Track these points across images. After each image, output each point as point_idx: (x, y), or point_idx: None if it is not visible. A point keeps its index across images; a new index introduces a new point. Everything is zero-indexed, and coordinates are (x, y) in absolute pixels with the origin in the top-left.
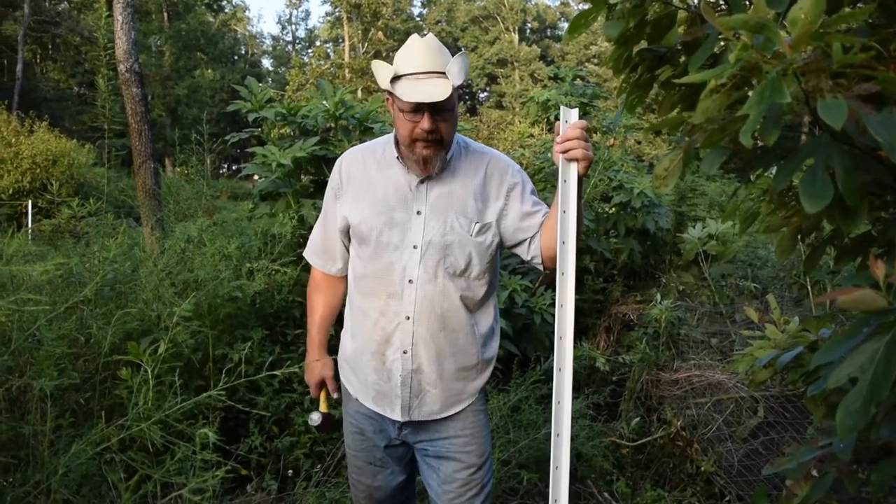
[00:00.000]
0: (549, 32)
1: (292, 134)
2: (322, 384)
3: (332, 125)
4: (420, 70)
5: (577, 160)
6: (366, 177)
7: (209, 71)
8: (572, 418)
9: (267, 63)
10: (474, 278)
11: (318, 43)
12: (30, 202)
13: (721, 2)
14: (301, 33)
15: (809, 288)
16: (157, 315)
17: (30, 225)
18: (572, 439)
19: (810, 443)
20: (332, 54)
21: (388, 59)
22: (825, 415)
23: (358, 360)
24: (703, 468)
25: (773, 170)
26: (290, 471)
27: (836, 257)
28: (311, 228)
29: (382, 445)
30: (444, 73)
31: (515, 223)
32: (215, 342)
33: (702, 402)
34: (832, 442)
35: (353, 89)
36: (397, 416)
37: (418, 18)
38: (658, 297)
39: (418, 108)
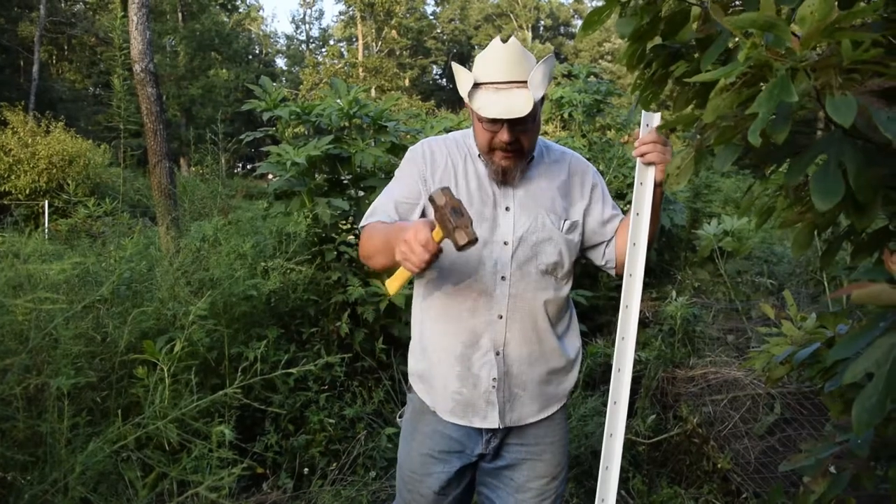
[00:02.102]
0: (562, 30)
1: (306, 133)
2: (431, 225)
3: (347, 124)
4: (500, 80)
5: (654, 164)
6: (451, 167)
7: (224, 70)
8: (588, 415)
9: (281, 62)
10: (561, 277)
11: (331, 42)
12: (46, 202)
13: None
14: (315, 32)
15: (826, 284)
16: (172, 314)
17: (47, 225)
18: (587, 436)
19: (827, 439)
20: (345, 53)
21: (401, 58)
22: (842, 411)
23: (437, 367)
24: (719, 465)
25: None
26: (306, 469)
27: (852, 252)
28: (325, 227)
29: (456, 468)
30: (525, 82)
31: (595, 225)
32: (231, 341)
33: (718, 399)
34: (849, 438)
35: (366, 88)
36: (491, 423)
37: (432, 17)
38: (673, 294)
39: (497, 120)
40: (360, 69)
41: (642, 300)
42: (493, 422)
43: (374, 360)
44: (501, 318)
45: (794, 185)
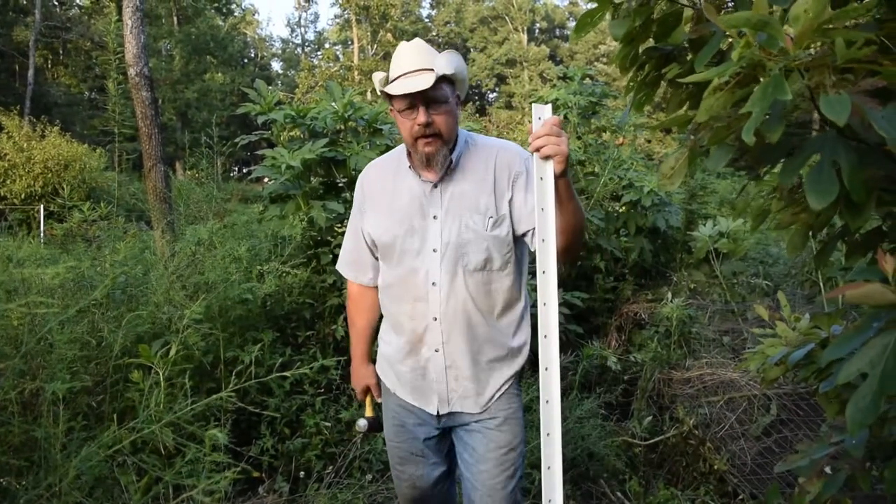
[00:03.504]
0: (557, 32)
1: (302, 136)
2: (367, 390)
3: (342, 127)
4: (408, 69)
5: (550, 157)
6: (383, 189)
7: (219, 74)
8: (584, 417)
9: (277, 66)
10: (497, 270)
11: (327, 45)
12: (42, 206)
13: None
14: (310, 36)
15: (822, 285)
16: (168, 318)
17: (42, 229)
18: (583, 438)
19: (823, 440)
20: (341, 56)
21: None
22: (838, 411)
23: (395, 359)
24: (715, 467)
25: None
26: (302, 472)
27: (846, 253)
28: (321, 230)
29: (422, 438)
30: (430, 69)
31: (521, 213)
32: (226, 344)
33: (714, 401)
34: (844, 439)
35: (362, 91)
36: (433, 409)
37: (427, 20)
38: (669, 295)
39: (412, 105)
40: (356, 72)
41: (637, 301)
42: (433, 408)
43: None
44: (437, 319)
45: (787, 186)
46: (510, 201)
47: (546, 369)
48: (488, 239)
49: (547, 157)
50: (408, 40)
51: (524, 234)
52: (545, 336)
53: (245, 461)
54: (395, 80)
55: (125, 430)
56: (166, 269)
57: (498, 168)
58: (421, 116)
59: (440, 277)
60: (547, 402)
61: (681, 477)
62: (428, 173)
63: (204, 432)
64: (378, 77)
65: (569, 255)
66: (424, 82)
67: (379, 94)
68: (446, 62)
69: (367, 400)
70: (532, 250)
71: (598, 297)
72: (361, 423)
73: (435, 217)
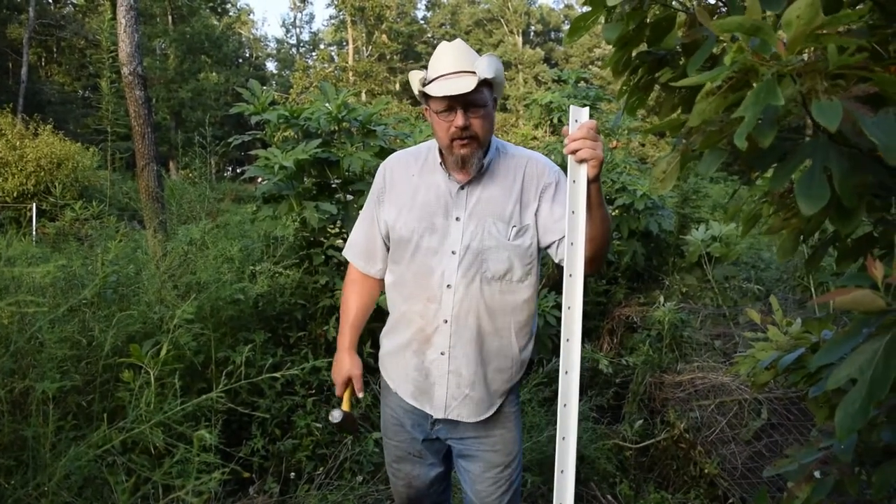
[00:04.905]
0: (552, 35)
1: (295, 137)
2: (348, 382)
3: (335, 128)
4: (449, 71)
5: (585, 161)
6: (408, 182)
7: (213, 74)
8: None
9: (271, 66)
10: (517, 281)
11: (322, 46)
12: (34, 205)
13: (721, 4)
14: (305, 36)
15: (813, 290)
16: (159, 317)
17: (34, 228)
18: None
19: (812, 444)
20: (336, 57)
21: (392, 62)
22: (827, 416)
23: (399, 357)
24: (706, 470)
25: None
26: (293, 473)
27: (837, 258)
28: (313, 231)
29: (420, 439)
30: (472, 71)
31: (547, 224)
32: (217, 345)
33: (705, 405)
34: (833, 443)
35: (356, 92)
36: (432, 412)
37: (422, 22)
38: (661, 299)
39: (451, 108)
40: (351, 73)
41: (630, 305)
42: (431, 411)
43: None
44: (447, 322)
45: (778, 190)
46: (536, 212)
47: (566, 373)
48: (510, 248)
49: (582, 161)
50: (403, 42)
51: (549, 246)
52: (567, 340)
53: (235, 462)
54: (434, 80)
55: (115, 429)
56: (158, 269)
57: (526, 178)
58: (459, 119)
59: (456, 281)
60: (565, 405)
61: (671, 480)
62: (459, 174)
63: (193, 433)
64: (416, 76)
65: (593, 266)
66: (466, 85)
67: (416, 93)
68: (487, 66)
69: (346, 394)
70: (557, 261)
71: (590, 301)
72: (336, 414)
73: (458, 218)
